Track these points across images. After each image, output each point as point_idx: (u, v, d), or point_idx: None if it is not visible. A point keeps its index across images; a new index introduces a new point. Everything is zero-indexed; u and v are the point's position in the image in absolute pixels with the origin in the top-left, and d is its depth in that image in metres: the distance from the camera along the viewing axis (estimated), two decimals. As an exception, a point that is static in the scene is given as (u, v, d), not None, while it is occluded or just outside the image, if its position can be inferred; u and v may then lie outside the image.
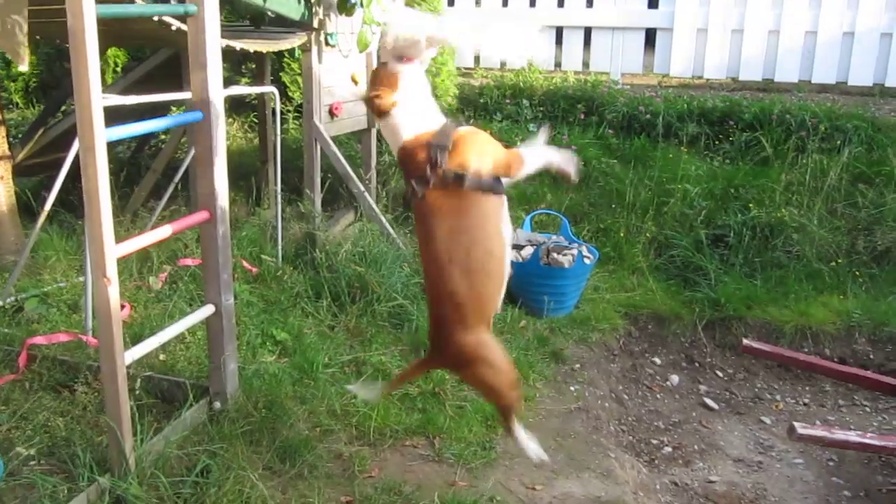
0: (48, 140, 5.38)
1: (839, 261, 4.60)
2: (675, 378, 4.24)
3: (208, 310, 2.89)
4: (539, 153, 2.45)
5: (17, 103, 6.98)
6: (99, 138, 2.24)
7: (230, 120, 6.56)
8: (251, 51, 4.03)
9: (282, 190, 4.70)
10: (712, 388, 4.21)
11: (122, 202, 5.15)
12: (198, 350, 3.54)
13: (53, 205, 4.06)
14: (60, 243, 4.68)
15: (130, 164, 6.08)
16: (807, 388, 4.24)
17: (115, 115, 2.62)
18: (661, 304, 4.56)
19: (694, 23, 6.01)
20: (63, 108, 6.03)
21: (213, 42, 2.67)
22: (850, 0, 5.64)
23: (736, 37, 5.95)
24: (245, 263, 4.48)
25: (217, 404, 2.98)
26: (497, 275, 2.40)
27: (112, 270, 2.36)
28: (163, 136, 6.36)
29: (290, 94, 6.11)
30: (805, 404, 4.10)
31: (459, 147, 2.31)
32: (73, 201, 4.82)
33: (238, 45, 3.91)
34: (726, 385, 4.24)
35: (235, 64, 6.48)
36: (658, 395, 4.08)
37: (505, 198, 2.41)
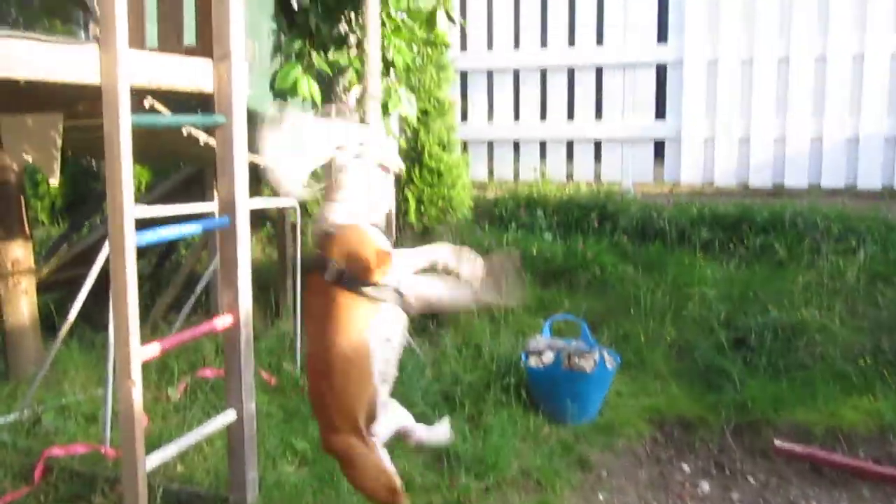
0: (72, 256, 5.50)
1: (866, 360, 4.52)
2: (705, 485, 4.08)
3: (230, 415, 2.87)
4: (419, 251, 2.43)
5: (43, 221, 7.18)
6: (129, 241, 2.29)
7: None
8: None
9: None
10: (745, 495, 4.04)
11: (142, 315, 5.19)
12: (216, 460, 3.48)
13: (75, 320, 4.13)
14: (80, 357, 4.72)
15: (151, 279, 6.18)
16: (844, 494, 4.06)
17: (140, 229, 2.70)
18: (686, 409, 4.45)
19: (701, 133, 6.19)
20: (87, 225, 6.20)
21: (241, 151, 2.77)
22: (852, 107, 5.81)
23: (743, 145, 6.11)
24: (264, 374, 4.47)
25: (237, 513, 2.91)
26: (358, 380, 2.40)
27: (137, 373, 2.36)
28: (183, 252, 6.49)
29: (309, 209, 6.26)
30: (843, 510, 3.93)
31: (332, 239, 2.40)
32: (94, 316, 4.87)
33: (262, 161, 4.05)
34: (760, 492, 4.07)
35: (256, 181, 6.68)
36: (689, 503, 3.93)
37: (385, 303, 2.40)
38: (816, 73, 5.89)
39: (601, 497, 3.51)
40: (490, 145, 6.83)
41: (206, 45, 2.78)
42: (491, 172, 6.85)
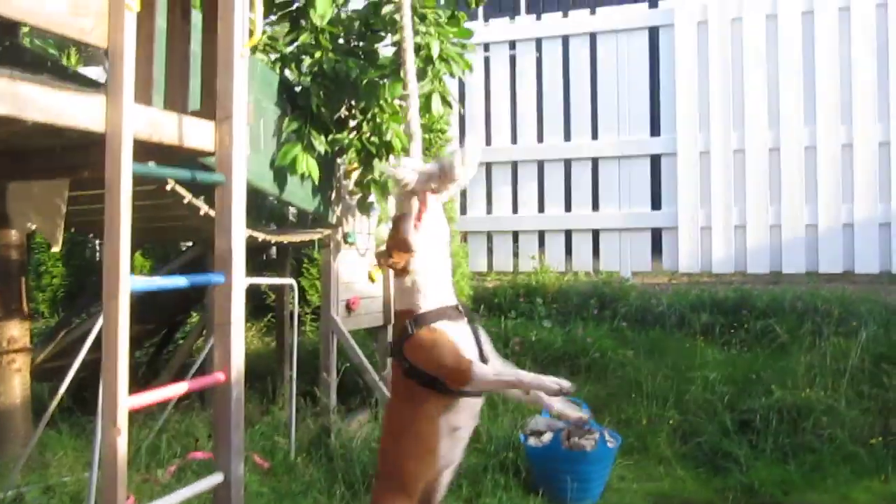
0: (68, 343, 5.47)
1: (876, 441, 4.41)
2: (715, 572, 3.91)
3: (216, 478, 2.77)
4: (497, 371, 2.41)
5: (44, 313, 7.17)
6: (123, 284, 2.30)
7: (248, 325, 6.68)
8: (271, 241, 4.22)
9: (297, 390, 4.68)
10: (756, 585, 3.87)
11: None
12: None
13: (66, 404, 4.07)
14: (70, 442, 4.62)
15: (148, 367, 6.12)
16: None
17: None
18: (692, 493, 4.31)
19: (697, 221, 6.27)
20: (84, 315, 6.20)
21: (239, 210, 2.81)
22: (844, 194, 5.91)
23: (739, 232, 6.17)
24: (256, 458, 4.36)
25: (221, 587, 2.76)
26: (419, 458, 2.48)
27: (123, 420, 2.31)
28: (180, 341, 6.46)
29: (307, 297, 6.27)
30: None
31: (415, 341, 2.45)
32: (86, 403, 4.81)
33: (260, 235, 4.11)
34: (771, 579, 3.89)
35: (258, 265, 6.72)
36: (698, 591, 3.74)
37: (459, 399, 2.43)
38: (807, 162, 6.02)
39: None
40: (489, 236, 6.91)
41: (209, 109, 2.87)
42: (490, 264, 6.89)
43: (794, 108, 6.05)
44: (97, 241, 7.74)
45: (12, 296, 4.38)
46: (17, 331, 4.41)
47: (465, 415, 2.42)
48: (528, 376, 2.34)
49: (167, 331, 6.46)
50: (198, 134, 2.78)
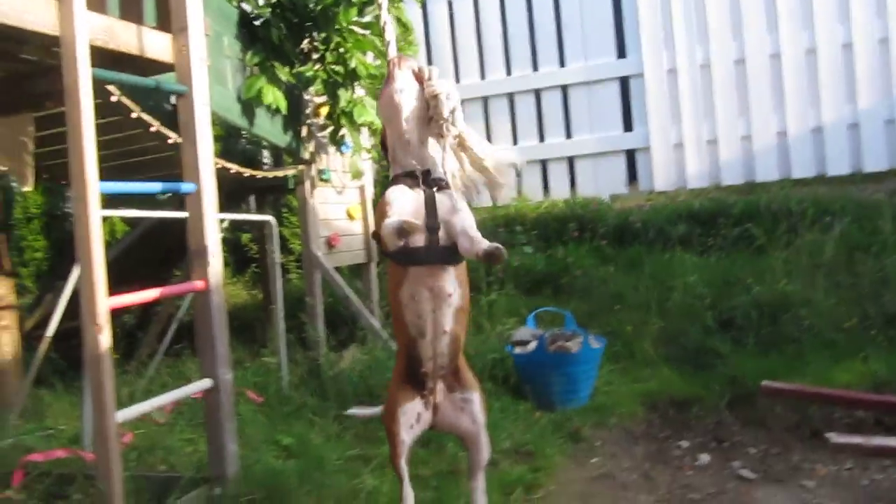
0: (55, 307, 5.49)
1: (852, 323, 4.50)
2: (704, 457, 3.99)
3: (205, 384, 2.83)
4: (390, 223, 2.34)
5: (29, 287, 7.18)
6: (92, 187, 2.32)
7: (233, 279, 6.72)
8: (244, 174, 4.24)
9: (286, 335, 4.72)
10: (746, 463, 3.96)
11: (128, 356, 5.20)
12: (199, 457, 3.41)
13: (60, 367, 4.12)
14: (64, 396, 4.67)
15: (133, 333, 6.16)
16: (847, 459, 3.98)
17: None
18: (679, 389, 4.40)
19: (669, 140, 6.31)
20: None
21: (203, 118, 2.84)
22: (812, 98, 5.96)
23: (712, 146, 6.22)
24: (250, 393, 4.41)
25: (217, 490, 2.83)
26: (396, 326, 2.59)
27: (103, 319, 2.35)
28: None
29: (290, 246, 6.30)
30: (848, 469, 3.84)
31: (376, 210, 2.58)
32: (79, 360, 4.85)
33: (232, 167, 4.13)
34: (761, 459, 3.98)
35: (235, 203, 6.74)
36: (688, 473, 3.82)
37: (408, 268, 2.43)
38: (773, 70, 6.06)
39: (594, 461, 3.43)
40: (466, 174, 6.93)
41: (164, 24, 2.88)
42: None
43: (756, 17, 6.06)
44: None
45: (-7, 254, 4.41)
46: (3, 289, 4.45)
47: (419, 284, 2.41)
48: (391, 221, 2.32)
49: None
50: (155, 45, 2.79)
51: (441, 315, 2.44)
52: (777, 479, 3.76)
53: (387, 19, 2.76)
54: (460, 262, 2.47)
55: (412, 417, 2.52)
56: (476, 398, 2.59)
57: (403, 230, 2.22)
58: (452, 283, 2.43)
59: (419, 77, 2.50)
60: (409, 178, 2.45)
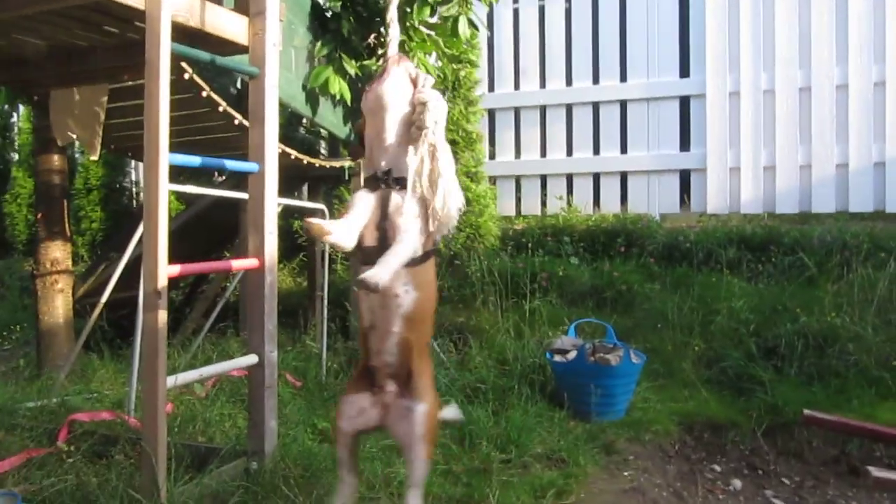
0: (108, 275, 5.64)
1: (901, 364, 4.42)
2: (737, 483, 3.95)
3: (251, 359, 2.90)
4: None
5: (83, 256, 7.38)
6: (163, 158, 2.41)
7: (280, 265, 6.82)
8: (304, 161, 4.33)
9: (328, 325, 4.79)
10: (780, 493, 3.90)
11: (172, 332, 5.32)
12: (237, 432, 3.48)
13: (110, 330, 4.22)
14: (112, 364, 4.80)
15: (179, 310, 6.30)
16: (885, 496, 3.90)
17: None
18: (715, 413, 4.35)
19: (725, 162, 6.26)
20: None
21: (272, 101, 2.91)
22: (876, 132, 5.86)
23: (769, 173, 6.15)
24: (289, 377, 4.49)
25: (254, 464, 2.89)
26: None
27: (163, 285, 2.43)
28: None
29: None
30: (884, 509, 3.77)
31: None
32: (126, 329, 4.99)
33: (293, 153, 4.21)
34: (795, 491, 3.92)
35: (289, 191, 6.85)
36: (720, 496, 3.79)
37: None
38: (838, 101, 5.97)
39: (626, 474, 3.42)
40: (517, 181, 6.96)
41: (242, 6, 2.97)
42: (518, 208, 6.94)
43: (825, 46, 5.98)
44: (134, 190, 7.95)
45: (54, 219, 4.56)
46: (60, 253, 4.58)
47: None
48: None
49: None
50: (233, 26, 2.88)
51: (388, 314, 2.39)
52: (811, 512, 3.71)
53: (393, 17, 2.73)
54: (418, 265, 2.38)
55: (353, 410, 2.49)
56: (420, 410, 2.41)
57: (313, 229, 2.23)
58: (403, 285, 2.36)
59: (413, 81, 2.47)
60: (374, 180, 2.41)
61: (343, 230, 2.30)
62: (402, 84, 2.44)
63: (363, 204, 2.39)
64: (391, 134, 2.41)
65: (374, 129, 2.44)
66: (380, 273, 2.17)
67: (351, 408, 2.50)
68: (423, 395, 2.45)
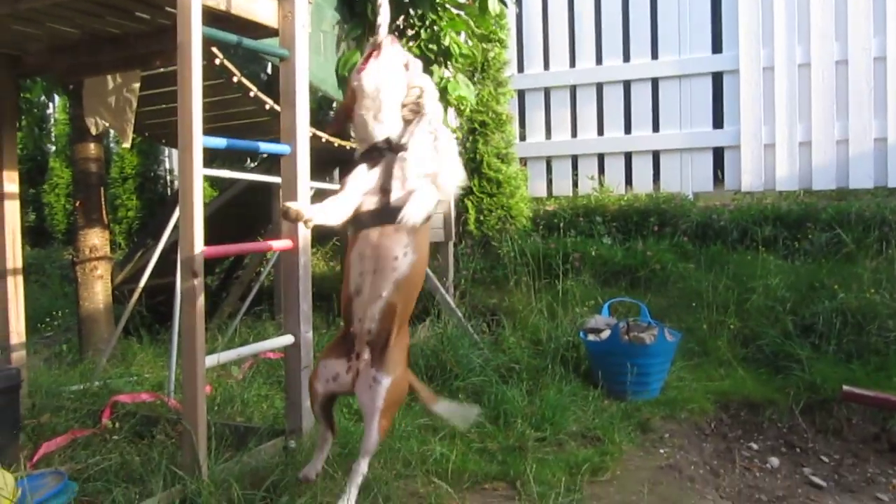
0: (146, 261, 5.74)
1: (943, 340, 4.33)
2: (774, 460, 3.92)
3: (287, 339, 2.93)
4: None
5: (120, 244, 7.51)
6: (196, 140, 2.44)
7: (313, 249, 6.88)
8: (335, 143, 4.35)
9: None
10: (818, 470, 3.86)
11: (208, 318, 5.39)
12: (274, 413, 3.53)
13: (148, 315, 4.29)
14: (151, 349, 4.89)
15: (215, 295, 6.38)
16: (926, 474, 3.85)
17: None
18: (752, 391, 4.32)
19: (760, 139, 6.16)
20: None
21: (303, 83, 2.93)
22: (915, 104, 5.73)
23: (804, 149, 6.04)
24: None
25: (292, 443, 2.93)
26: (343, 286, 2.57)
27: (199, 267, 2.46)
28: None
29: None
30: (926, 486, 3.71)
31: None
32: (164, 314, 5.07)
33: (324, 135, 4.23)
34: (834, 468, 3.88)
35: (321, 175, 6.89)
36: (757, 474, 3.76)
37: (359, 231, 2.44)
38: (876, 74, 5.84)
39: (661, 451, 3.41)
40: (548, 162, 6.92)
41: (271, -11, 2.98)
42: (550, 189, 6.91)
43: (862, 18, 5.84)
44: (168, 178, 8.06)
45: (92, 206, 4.64)
46: (98, 240, 4.67)
47: (366, 243, 2.41)
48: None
49: (235, 258, 6.71)
50: (262, 9, 2.89)
51: (380, 278, 2.41)
52: (850, 489, 3.66)
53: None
54: (420, 228, 2.42)
55: (329, 374, 2.54)
56: (385, 383, 2.44)
57: (289, 213, 2.26)
58: (403, 246, 2.39)
59: (406, 65, 2.48)
60: (373, 151, 2.42)
61: (328, 211, 2.32)
62: (396, 63, 2.45)
63: (359, 179, 2.40)
64: (387, 112, 2.41)
65: (370, 107, 2.42)
66: (411, 210, 2.28)
67: (326, 371, 2.56)
68: (392, 369, 2.47)
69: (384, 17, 2.56)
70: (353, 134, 2.54)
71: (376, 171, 2.40)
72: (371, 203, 2.39)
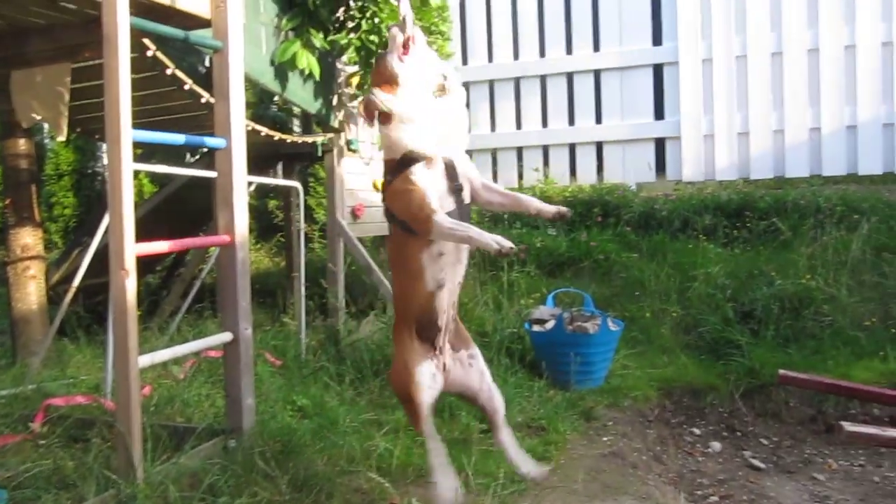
0: (82, 261, 5.58)
1: (872, 322, 4.47)
2: (716, 445, 4.00)
3: (226, 337, 2.87)
4: (451, 225, 2.37)
5: (57, 243, 7.29)
6: (125, 132, 2.36)
7: (257, 245, 6.78)
8: (274, 138, 4.28)
9: (306, 302, 4.76)
10: (758, 453, 3.96)
11: (149, 317, 5.28)
12: (215, 411, 3.46)
13: (85, 315, 4.16)
14: (88, 350, 4.75)
15: (156, 293, 6.25)
16: (860, 452, 3.97)
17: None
18: (694, 378, 4.41)
19: (700, 130, 6.26)
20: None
21: (237, 75, 2.86)
22: (847, 95, 5.88)
23: (743, 139, 6.17)
24: (269, 356, 4.46)
25: (232, 442, 2.87)
26: (408, 283, 2.56)
27: (130, 264, 2.39)
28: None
29: (314, 215, 6.35)
30: (860, 465, 3.82)
31: (392, 188, 2.50)
32: (102, 315, 4.94)
33: (263, 129, 4.16)
34: (773, 451, 3.98)
35: (263, 170, 6.79)
36: (699, 459, 3.84)
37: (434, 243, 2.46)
38: (810, 65, 5.98)
39: (605, 439, 3.44)
40: (493, 154, 6.93)
41: (203, -21, 2.91)
42: (495, 180, 6.91)
43: (796, 10, 5.98)
44: (106, 175, 7.83)
45: (23, 204, 4.47)
46: (31, 238, 4.50)
47: (447, 242, 2.45)
48: (476, 232, 2.34)
49: (177, 255, 6.57)
50: (194, 1, 2.82)
51: (461, 268, 2.55)
52: (788, 470, 3.76)
53: None
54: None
55: (429, 378, 2.53)
56: (479, 353, 2.71)
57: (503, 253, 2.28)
58: None
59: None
60: (430, 154, 2.46)
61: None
62: (428, 52, 2.58)
63: (433, 180, 2.43)
64: (425, 96, 2.49)
65: (414, 99, 2.46)
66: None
67: (425, 377, 2.53)
68: (472, 340, 2.77)
69: (406, 8, 2.56)
70: (384, 122, 2.49)
71: (439, 173, 2.45)
72: (449, 204, 2.45)
